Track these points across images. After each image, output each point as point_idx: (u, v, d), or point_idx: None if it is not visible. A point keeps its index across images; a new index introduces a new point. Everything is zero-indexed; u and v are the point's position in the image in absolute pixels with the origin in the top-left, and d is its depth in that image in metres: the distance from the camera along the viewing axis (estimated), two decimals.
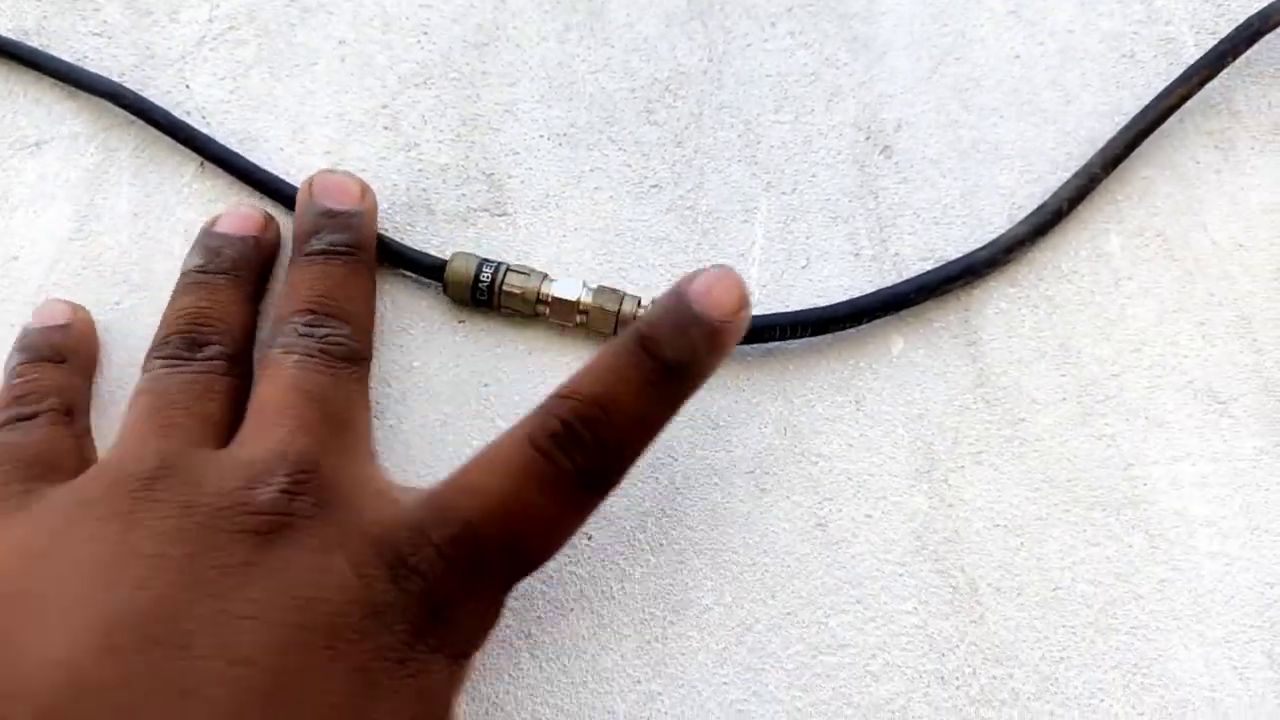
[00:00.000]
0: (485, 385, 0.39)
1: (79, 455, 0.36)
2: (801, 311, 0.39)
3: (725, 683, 0.35)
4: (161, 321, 0.37)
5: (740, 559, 0.37)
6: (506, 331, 0.40)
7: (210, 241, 0.39)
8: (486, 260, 0.39)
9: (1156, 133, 0.42)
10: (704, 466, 0.38)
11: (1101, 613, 0.36)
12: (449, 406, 0.39)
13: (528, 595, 0.36)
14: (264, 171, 0.41)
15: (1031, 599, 0.36)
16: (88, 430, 0.37)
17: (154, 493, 0.31)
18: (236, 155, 0.41)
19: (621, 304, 0.38)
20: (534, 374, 0.39)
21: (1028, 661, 0.36)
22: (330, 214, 0.38)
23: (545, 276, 0.39)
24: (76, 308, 0.39)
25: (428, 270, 0.39)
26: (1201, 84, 0.42)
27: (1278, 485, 0.37)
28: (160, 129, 0.42)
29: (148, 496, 0.31)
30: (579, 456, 0.30)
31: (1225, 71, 0.42)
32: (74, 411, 0.36)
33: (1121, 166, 0.42)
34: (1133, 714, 0.35)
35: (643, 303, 0.39)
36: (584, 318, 0.39)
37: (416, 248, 0.40)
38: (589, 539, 0.37)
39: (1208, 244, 0.41)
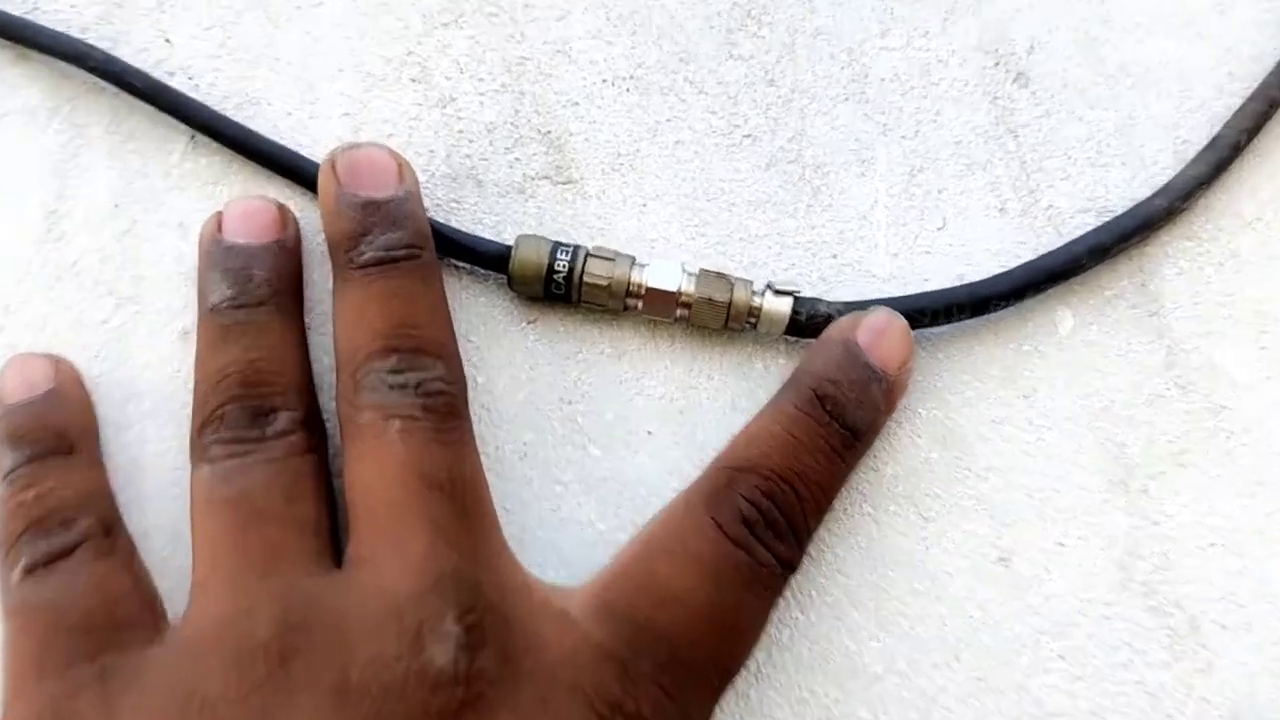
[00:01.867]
0: (569, 403, 0.24)
1: (140, 594, 0.20)
2: (954, 290, 0.24)
3: None
4: (199, 380, 0.21)
5: (910, 610, 0.22)
6: (587, 331, 0.24)
7: (230, 261, 0.22)
8: (561, 244, 0.24)
9: None
10: (850, 493, 0.23)
11: None
12: (529, 433, 0.24)
13: None
14: (270, 142, 0.25)
15: (1265, 637, 0.23)
16: (133, 546, 0.21)
17: (292, 671, 0.17)
18: (234, 124, 0.25)
19: (733, 293, 0.23)
20: (626, 383, 0.24)
21: (1271, 717, 0.22)
22: (373, 205, 0.22)
23: (633, 261, 0.24)
24: (56, 360, 0.23)
25: (488, 259, 0.24)
26: None
27: None
28: (138, 95, 0.25)
29: (286, 679, 0.17)
30: (779, 545, 0.20)
31: None
32: (112, 525, 0.21)
33: None
34: None
35: (755, 288, 0.24)
36: (685, 311, 0.23)
37: (466, 230, 0.25)
38: None
39: None
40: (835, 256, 0.25)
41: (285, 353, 0.22)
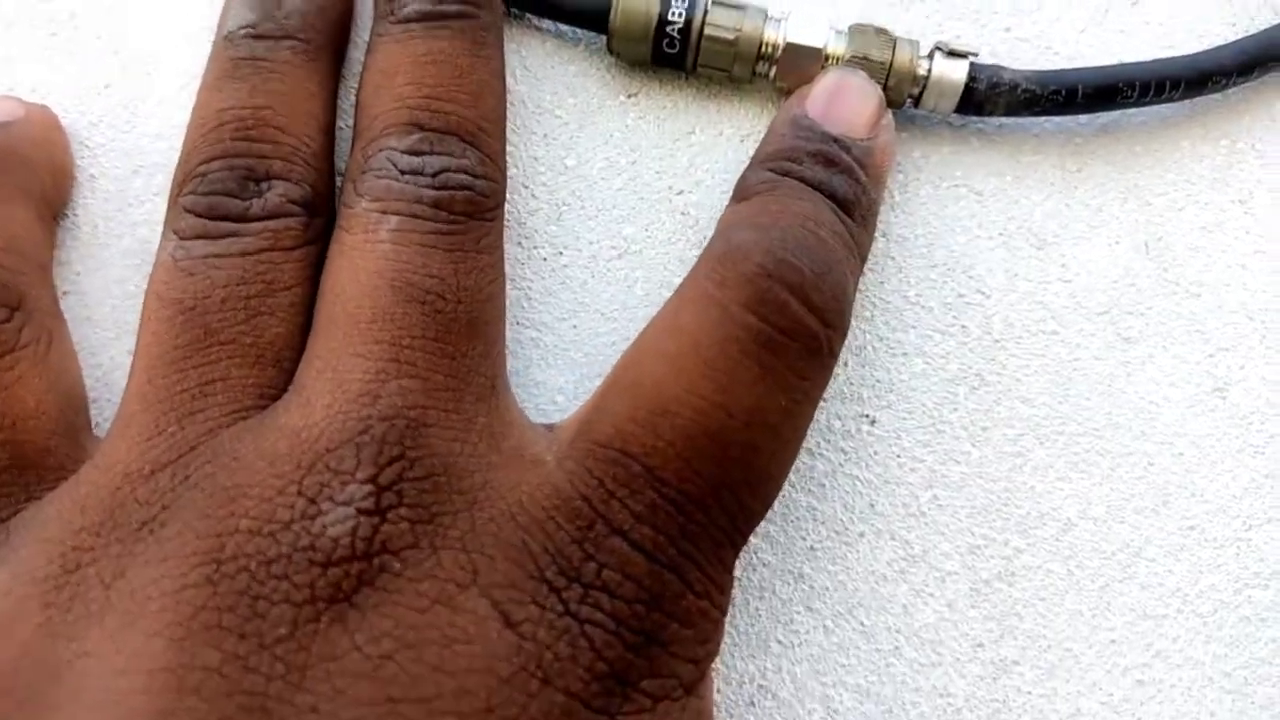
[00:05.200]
0: (679, 192, 0.20)
1: (52, 411, 0.16)
2: (1168, 61, 0.20)
3: (1113, 640, 0.18)
4: (191, 125, 0.18)
5: (1109, 446, 0.19)
6: (702, 106, 0.21)
7: None
8: None
9: None
10: (1034, 306, 0.20)
11: None
12: (629, 227, 0.20)
13: (793, 516, 0.19)
14: None
15: None
16: (51, 332, 0.17)
17: (162, 536, 0.14)
18: None
19: (894, 52, 0.20)
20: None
21: None
22: None
23: (765, 14, 0.20)
24: (30, 106, 0.19)
25: (583, 15, 0.20)
26: None
27: None
28: None
29: (153, 547, 0.14)
30: (804, 306, 0.15)
31: None
32: (20, 301, 0.16)
33: None
34: None
35: (922, 51, 0.20)
36: None
37: None
38: (870, 423, 0.19)
39: None
40: (1009, 30, 0.21)
41: (302, 105, 0.18)
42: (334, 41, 0.19)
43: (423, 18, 0.18)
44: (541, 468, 0.15)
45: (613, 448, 0.15)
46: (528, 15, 0.21)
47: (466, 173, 0.17)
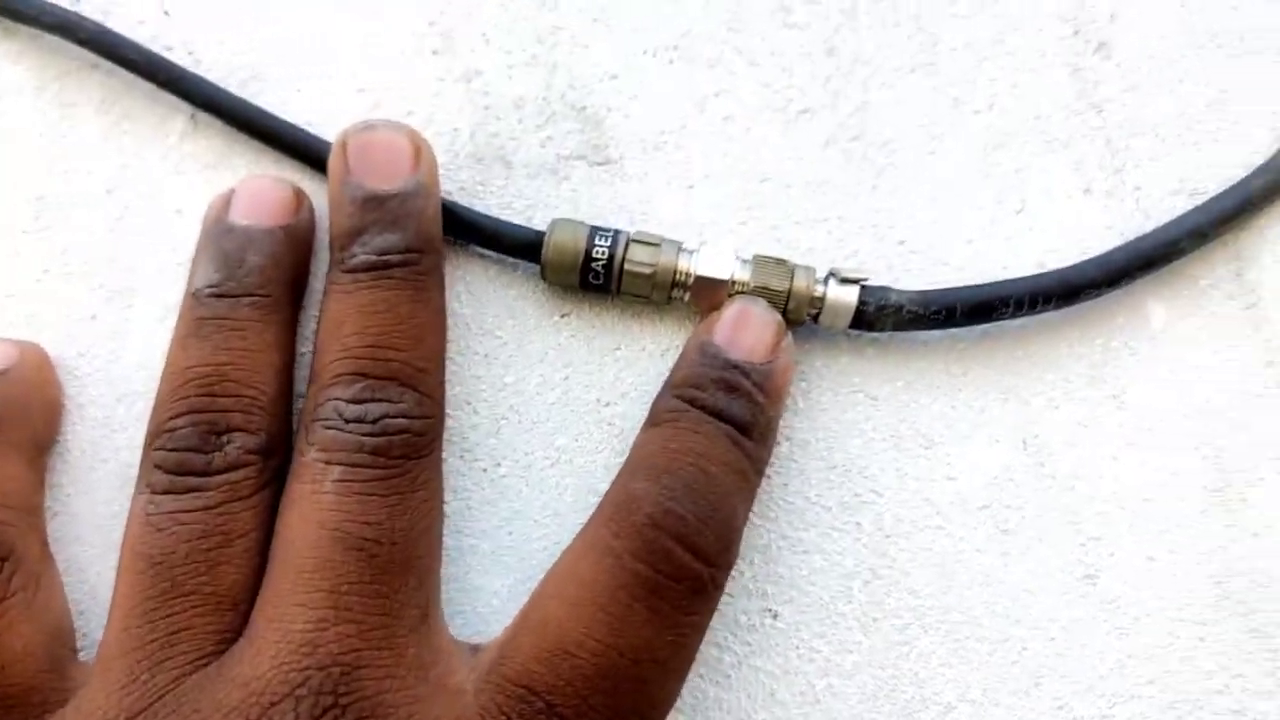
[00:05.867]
0: (607, 404, 0.23)
1: (39, 653, 0.19)
2: (1041, 277, 0.23)
3: None
4: (163, 378, 0.20)
5: (986, 633, 0.22)
6: (627, 325, 0.23)
7: (225, 242, 0.21)
8: (600, 228, 0.23)
9: None
10: (920, 502, 0.22)
11: None
12: (562, 438, 0.23)
13: (701, 706, 0.21)
14: (278, 120, 0.24)
15: None
16: (39, 575, 0.20)
17: None
18: (238, 100, 0.24)
19: (793, 281, 0.22)
20: None
21: None
22: (374, 201, 0.20)
23: (680, 247, 0.23)
24: (23, 346, 0.22)
25: (519, 247, 0.23)
26: None
27: None
28: (133, 70, 0.24)
29: None
30: (688, 553, 0.18)
31: None
32: (10, 550, 0.19)
33: None
34: None
35: (817, 276, 0.23)
36: None
37: (493, 215, 0.24)
38: (773, 617, 0.22)
39: None
40: (903, 243, 0.24)
41: (261, 357, 0.20)
42: (291, 291, 0.22)
43: (369, 268, 0.20)
44: (461, 699, 0.18)
45: (520, 684, 0.17)
46: (475, 246, 0.23)
47: (405, 416, 0.19)
